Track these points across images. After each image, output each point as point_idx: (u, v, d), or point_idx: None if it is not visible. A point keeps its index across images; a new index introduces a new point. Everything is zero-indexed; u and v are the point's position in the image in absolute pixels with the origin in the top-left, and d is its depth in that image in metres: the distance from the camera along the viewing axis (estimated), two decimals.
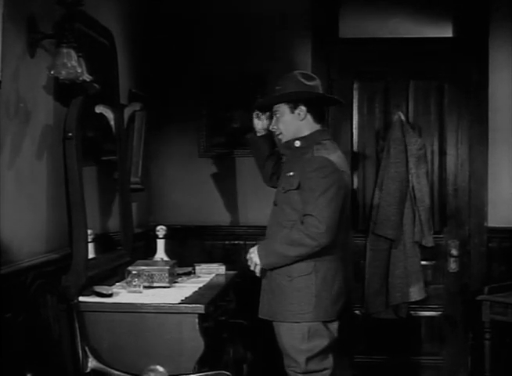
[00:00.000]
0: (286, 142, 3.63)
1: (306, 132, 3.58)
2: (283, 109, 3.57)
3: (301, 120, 3.57)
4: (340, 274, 3.56)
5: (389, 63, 5.08)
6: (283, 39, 5.02)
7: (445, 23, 5.09)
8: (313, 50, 5.01)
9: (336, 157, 3.52)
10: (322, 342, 3.49)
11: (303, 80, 3.57)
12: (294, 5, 5.01)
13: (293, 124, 3.57)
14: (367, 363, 5.08)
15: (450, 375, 5.10)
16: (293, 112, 3.56)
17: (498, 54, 4.93)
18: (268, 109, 3.72)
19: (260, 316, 3.61)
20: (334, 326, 3.56)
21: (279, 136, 3.64)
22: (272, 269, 3.51)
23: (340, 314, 3.57)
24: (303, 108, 3.55)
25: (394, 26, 5.04)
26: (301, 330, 3.46)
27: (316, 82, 3.62)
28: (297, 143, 3.58)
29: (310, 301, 3.45)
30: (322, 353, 3.50)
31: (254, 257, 3.51)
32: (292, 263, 3.44)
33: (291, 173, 3.53)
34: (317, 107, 3.60)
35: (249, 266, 3.55)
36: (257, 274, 3.55)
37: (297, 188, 3.46)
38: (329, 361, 3.54)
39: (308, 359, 3.46)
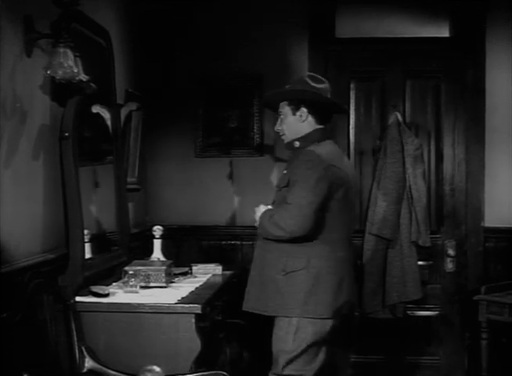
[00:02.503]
0: (288, 143, 3.65)
1: (306, 132, 3.59)
2: (286, 110, 3.61)
3: (302, 122, 3.58)
4: (342, 274, 3.50)
5: (386, 63, 5.09)
6: (280, 39, 5.01)
7: (442, 22, 5.09)
8: (310, 50, 5.01)
9: (326, 152, 3.51)
10: (306, 342, 3.42)
11: (310, 81, 3.59)
12: (291, 5, 5.01)
13: (294, 125, 3.59)
14: (364, 363, 5.08)
15: (447, 375, 5.10)
16: (294, 114, 3.59)
17: (495, 54, 4.93)
18: (275, 108, 3.71)
19: (244, 309, 3.57)
20: (326, 327, 3.46)
21: (282, 137, 3.67)
22: (263, 263, 3.51)
23: (337, 314, 3.50)
24: (304, 110, 3.57)
25: (391, 25, 5.04)
26: (287, 327, 3.42)
27: (324, 86, 3.61)
28: (297, 144, 3.61)
29: (298, 296, 3.42)
30: (305, 357, 3.44)
31: (257, 215, 3.57)
32: (286, 256, 3.44)
33: (285, 171, 3.60)
34: (320, 109, 3.60)
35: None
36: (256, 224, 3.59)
37: (287, 184, 3.48)
38: (311, 368, 3.47)
39: (288, 362, 3.42)
